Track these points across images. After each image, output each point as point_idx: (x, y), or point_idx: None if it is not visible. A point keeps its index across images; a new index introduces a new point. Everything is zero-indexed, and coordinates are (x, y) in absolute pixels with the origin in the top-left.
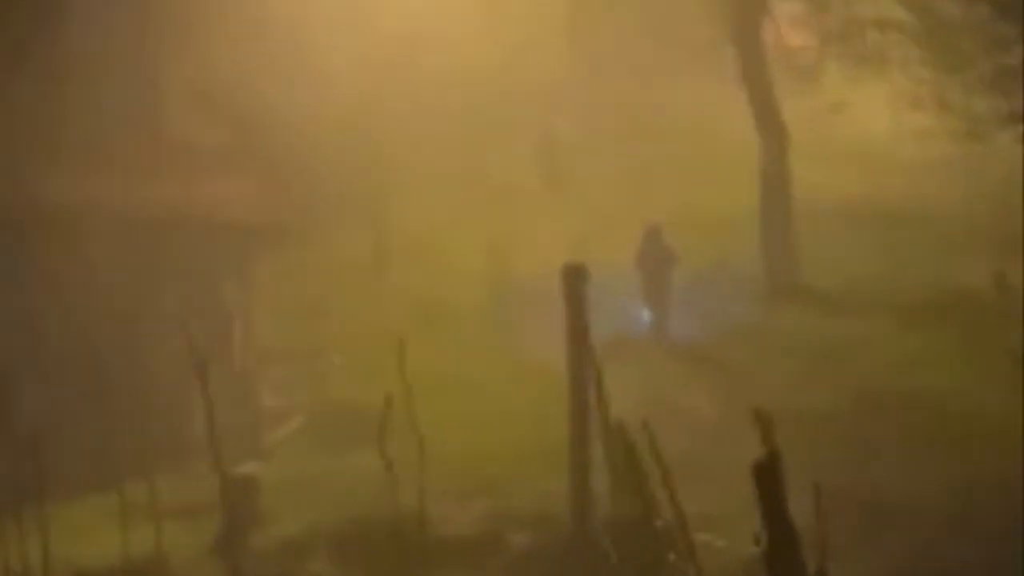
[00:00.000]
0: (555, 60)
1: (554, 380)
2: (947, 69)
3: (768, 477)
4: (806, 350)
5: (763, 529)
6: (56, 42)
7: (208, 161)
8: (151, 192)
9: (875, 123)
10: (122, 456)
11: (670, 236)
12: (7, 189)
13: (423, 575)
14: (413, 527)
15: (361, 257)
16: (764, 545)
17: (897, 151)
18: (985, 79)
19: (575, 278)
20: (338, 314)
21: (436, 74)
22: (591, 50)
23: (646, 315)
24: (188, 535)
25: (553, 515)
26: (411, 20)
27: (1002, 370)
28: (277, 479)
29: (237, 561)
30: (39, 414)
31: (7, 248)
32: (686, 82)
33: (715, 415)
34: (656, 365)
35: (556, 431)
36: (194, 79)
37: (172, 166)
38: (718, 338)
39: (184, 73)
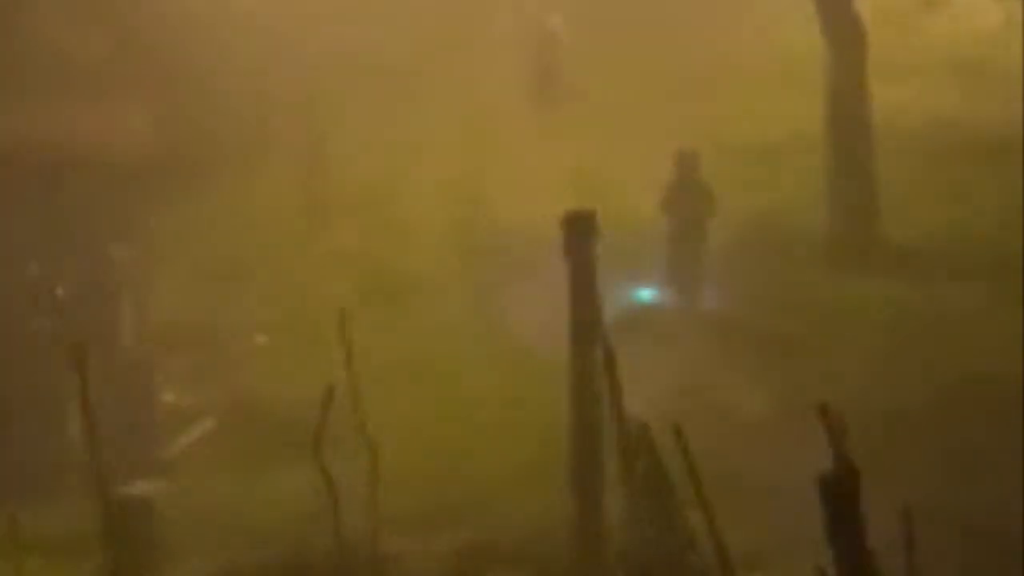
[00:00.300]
0: None
1: (551, 368)
2: None
3: (839, 496)
4: (886, 327)
5: (832, 563)
6: None
7: (85, 80)
8: (8, 122)
9: (980, 22)
10: None
11: (707, 169)
12: None
13: None
14: (361, 566)
15: (291, 207)
16: None
17: (1009, 59)
18: None
19: (580, 230)
20: (261, 282)
21: None
22: None
23: (675, 277)
24: None
25: (549, 551)
26: None
27: None
28: (180, 502)
29: None
30: None
31: None
32: None
33: (767, 414)
34: (688, 347)
35: (555, 437)
36: None
37: (36, 87)
38: (770, 311)
39: None
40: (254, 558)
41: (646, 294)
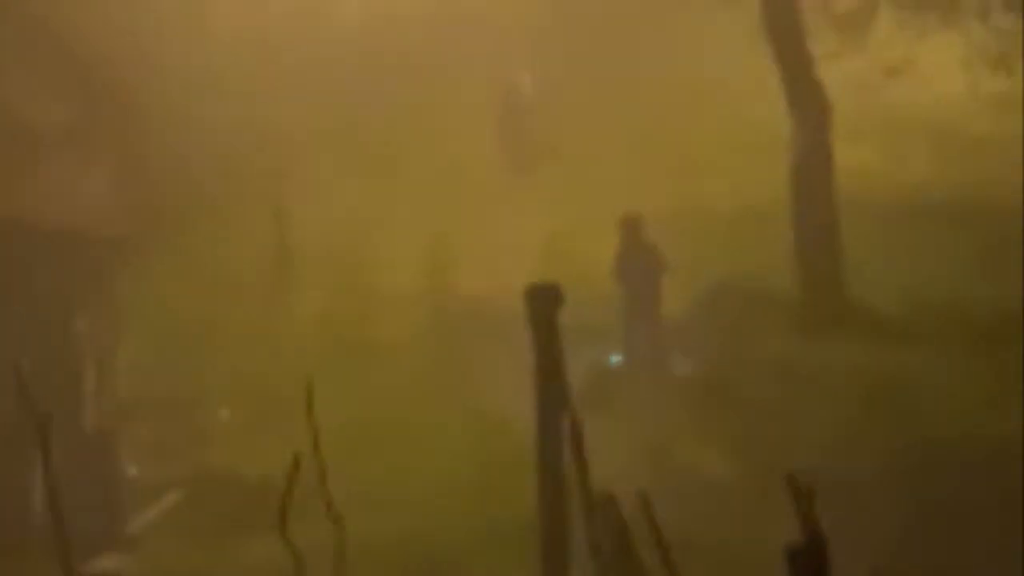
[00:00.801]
0: (511, 8)
1: (516, 435)
2: None
3: (807, 566)
4: (855, 390)
5: None
6: None
7: (50, 145)
8: None
9: (944, 88)
10: None
11: (673, 235)
12: None
13: None
14: None
15: (257, 271)
16: None
17: (973, 125)
18: None
19: (544, 301)
20: (226, 349)
21: (354, 20)
22: None
23: (635, 343)
24: None
25: None
26: None
27: None
28: None
29: None
30: None
31: None
32: (693, 32)
33: (735, 480)
34: (655, 411)
35: (520, 505)
36: (29, 32)
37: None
38: (738, 375)
39: (14, 23)
40: None
41: (611, 359)
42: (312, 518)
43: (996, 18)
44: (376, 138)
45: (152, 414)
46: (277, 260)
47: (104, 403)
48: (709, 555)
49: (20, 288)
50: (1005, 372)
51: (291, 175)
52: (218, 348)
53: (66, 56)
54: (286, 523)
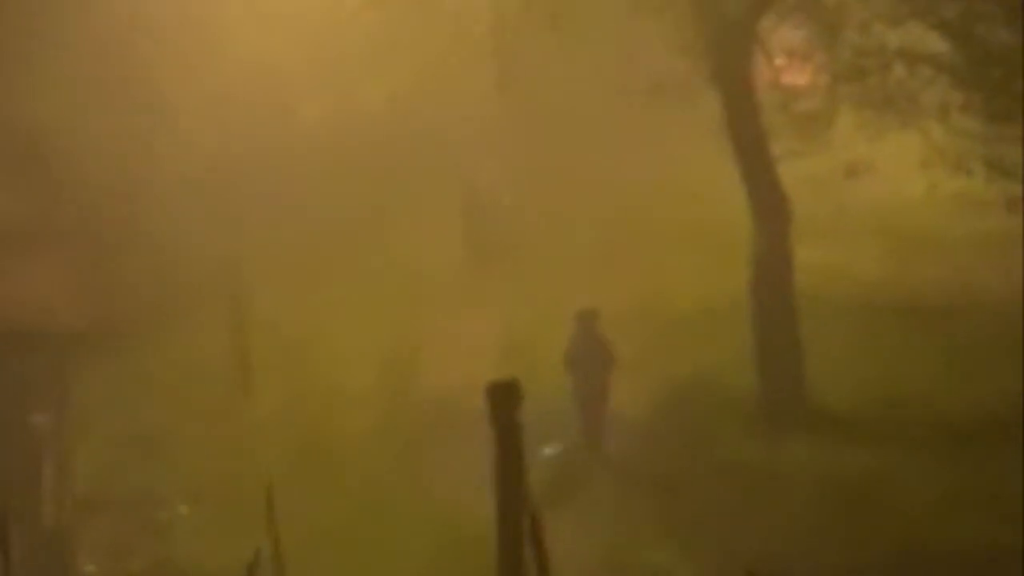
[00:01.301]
0: (477, 100)
1: (477, 533)
2: (998, 117)
3: None
4: (816, 492)
5: None
6: None
7: (7, 242)
8: None
9: (904, 189)
10: None
11: (633, 333)
12: None
13: None
14: None
15: (216, 371)
16: None
17: (933, 225)
18: None
19: (505, 398)
20: (186, 448)
21: (314, 120)
22: (526, 87)
23: (584, 431)
24: None
25: None
26: (279, 55)
27: None
28: None
29: None
30: None
31: None
32: (653, 132)
33: None
34: (614, 510)
35: None
36: None
37: None
38: (699, 475)
39: None
40: None
41: (546, 451)
42: None
43: (955, 119)
44: (335, 238)
45: (111, 512)
46: (237, 360)
47: (63, 500)
48: None
49: None
50: (967, 473)
51: (251, 275)
52: (178, 447)
53: (26, 153)
54: None
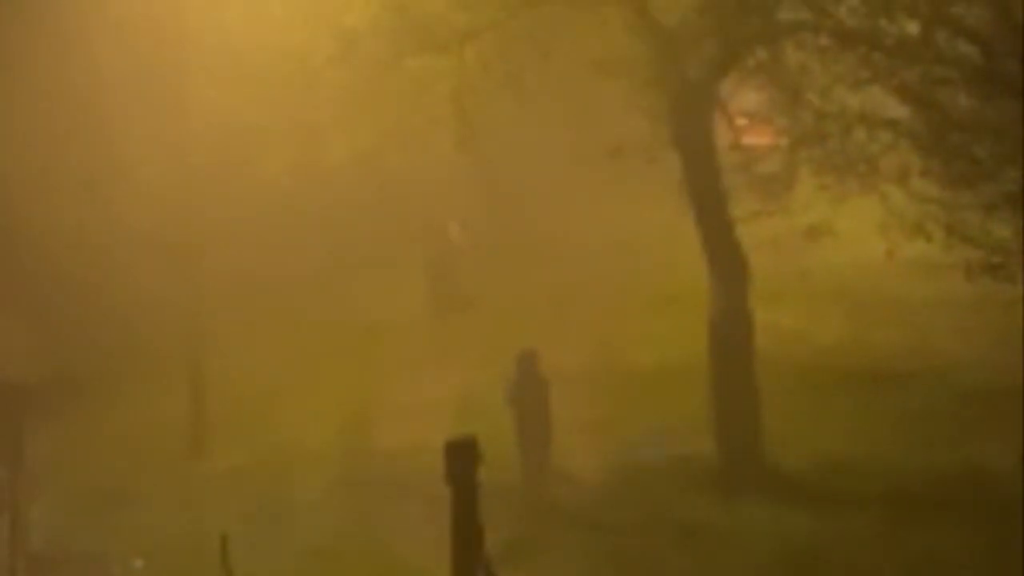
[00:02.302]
0: (438, 160)
1: None
2: (959, 183)
3: None
4: (773, 556)
5: None
6: None
7: None
8: None
9: (864, 252)
10: None
11: (590, 394)
12: None
13: None
14: None
15: (172, 428)
16: None
17: (893, 290)
18: (1009, 197)
19: (462, 457)
20: (141, 504)
21: (277, 175)
22: (486, 149)
23: (524, 462)
24: None
25: None
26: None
27: None
28: None
29: None
30: None
31: None
32: (613, 193)
33: None
34: (569, 571)
35: None
36: None
37: None
38: (653, 538)
39: None
40: None
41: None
42: None
43: (915, 184)
44: (296, 293)
45: (66, 566)
46: (194, 416)
47: (17, 554)
48: None
49: None
50: (920, 539)
51: (209, 331)
52: (133, 502)
53: None
54: None
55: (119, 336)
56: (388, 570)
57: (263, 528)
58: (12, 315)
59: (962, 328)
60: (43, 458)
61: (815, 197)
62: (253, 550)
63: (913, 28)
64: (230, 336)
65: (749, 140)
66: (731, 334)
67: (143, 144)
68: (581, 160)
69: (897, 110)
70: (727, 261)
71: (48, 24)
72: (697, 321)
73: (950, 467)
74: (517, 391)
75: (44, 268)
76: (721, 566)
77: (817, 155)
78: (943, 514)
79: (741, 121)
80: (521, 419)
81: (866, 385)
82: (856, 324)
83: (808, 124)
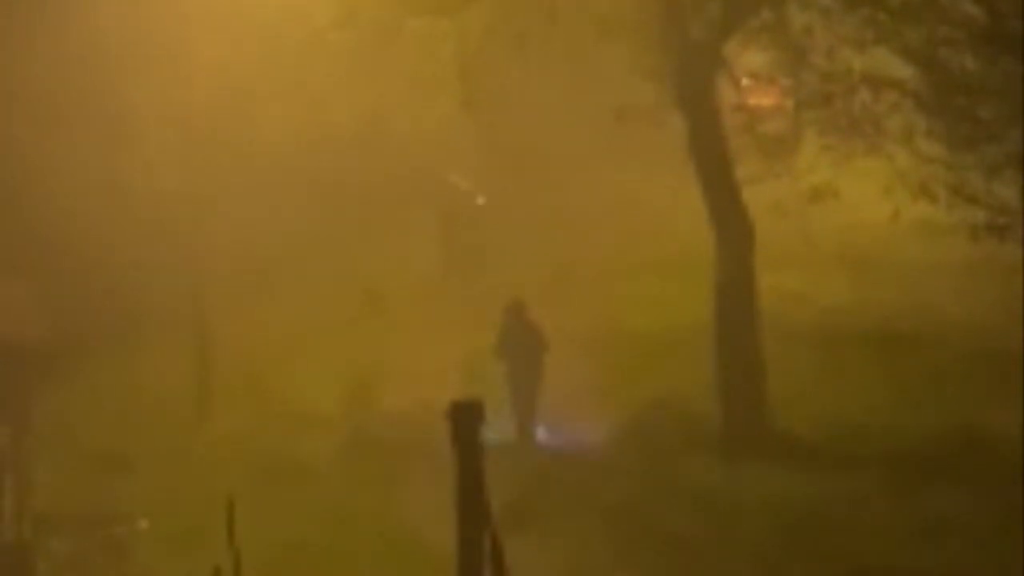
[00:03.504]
0: (442, 121)
1: (438, 554)
2: (963, 144)
3: None
4: (778, 518)
5: None
6: None
7: None
8: None
9: (868, 214)
10: None
11: (595, 358)
12: None
13: None
14: None
15: (177, 390)
16: None
17: (897, 252)
18: (1013, 159)
19: (467, 419)
20: (146, 466)
21: (282, 137)
22: (491, 110)
23: (514, 414)
24: None
25: None
26: (246, 72)
27: None
28: None
29: None
30: None
31: None
32: (618, 155)
33: None
34: (574, 535)
35: None
36: None
37: None
38: (660, 502)
39: None
40: None
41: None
42: None
43: (919, 145)
44: (301, 256)
45: (69, 527)
46: (199, 379)
47: (22, 515)
48: None
49: None
50: (934, 501)
51: (215, 295)
52: (138, 463)
53: None
54: None
55: (124, 300)
56: (393, 531)
57: (269, 490)
58: (17, 278)
59: (966, 290)
60: (48, 419)
61: (819, 159)
62: (259, 512)
63: None
64: (236, 300)
65: (754, 101)
66: (736, 297)
67: (144, 107)
68: (587, 122)
69: (902, 71)
70: (732, 223)
71: None
72: (702, 284)
73: (953, 429)
74: (506, 342)
75: (47, 232)
76: (724, 529)
77: (822, 116)
78: (946, 476)
79: (746, 82)
80: (512, 370)
81: (870, 347)
82: (860, 286)
83: (813, 85)
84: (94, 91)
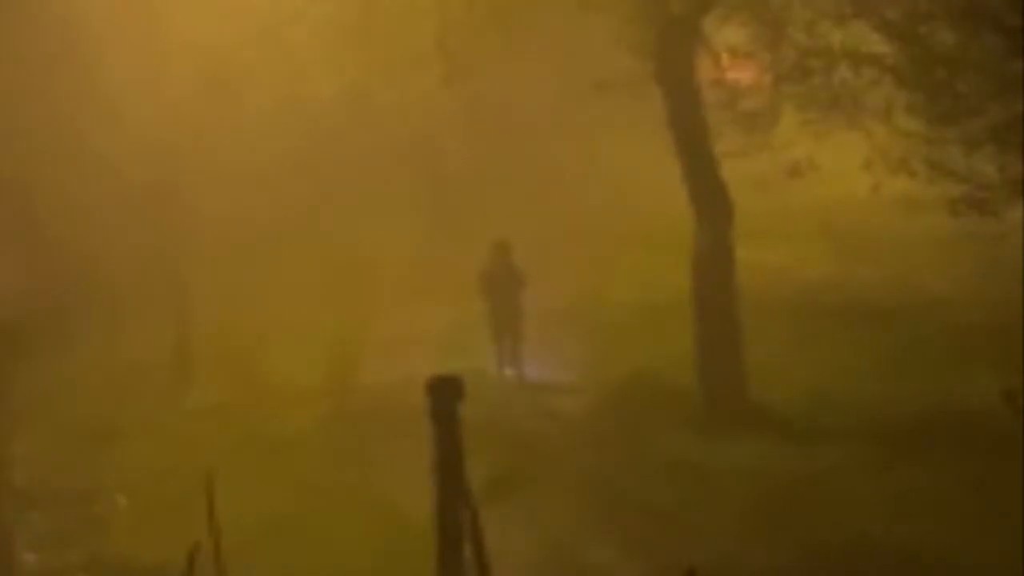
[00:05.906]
0: (423, 95)
1: (417, 528)
2: (942, 118)
3: None
4: (756, 491)
5: None
6: None
7: None
8: None
9: (847, 189)
10: None
11: (575, 328)
12: None
13: None
14: None
15: (157, 364)
16: None
17: (876, 226)
18: (992, 133)
19: (445, 394)
20: (124, 440)
21: (263, 109)
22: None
23: (498, 350)
24: None
25: None
26: (227, 44)
27: (1016, 516)
28: None
29: None
30: None
31: None
32: (598, 128)
33: None
34: (554, 507)
35: None
36: None
37: None
38: (638, 474)
39: None
40: None
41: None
42: None
43: (898, 120)
44: (282, 229)
45: (48, 502)
46: (179, 354)
47: (1, 491)
48: None
49: None
50: (912, 473)
51: (194, 269)
52: (117, 439)
53: None
54: None
55: (105, 275)
56: (374, 504)
57: (250, 464)
58: None
59: (946, 264)
60: (27, 395)
61: (799, 133)
62: (240, 486)
63: None
64: (217, 274)
65: (733, 76)
66: (714, 270)
67: (123, 82)
68: (568, 96)
69: (881, 45)
70: (711, 197)
71: None
72: (680, 258)
73: (934, 402)
74: (490, 281)
75: (22, 206)
76: (703, 502)
77: (801, 91)
78: (926, 449)
79: (725, 57)
80: (494, 309)
81: (850, 321)
82: (840, 260)
83: (792, 60)
84: (71, 65)
